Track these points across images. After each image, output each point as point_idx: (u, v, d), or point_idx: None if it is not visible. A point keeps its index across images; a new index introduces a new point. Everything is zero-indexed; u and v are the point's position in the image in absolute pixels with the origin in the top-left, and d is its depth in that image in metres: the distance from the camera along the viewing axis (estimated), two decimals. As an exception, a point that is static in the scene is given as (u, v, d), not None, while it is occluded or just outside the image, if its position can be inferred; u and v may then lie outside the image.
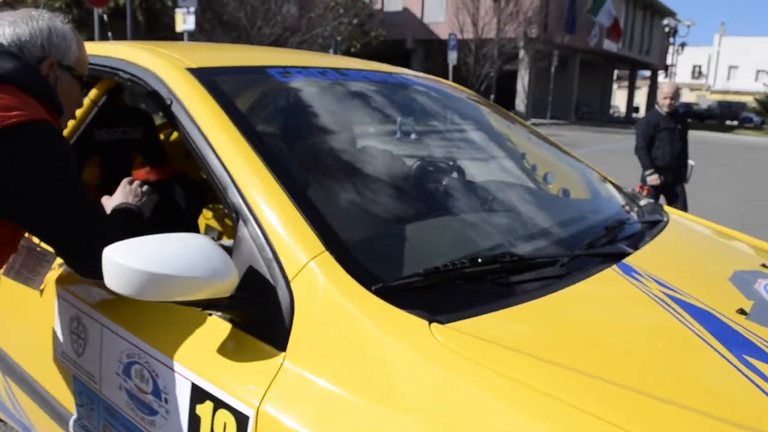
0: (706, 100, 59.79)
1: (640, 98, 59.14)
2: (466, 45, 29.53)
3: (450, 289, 1.36)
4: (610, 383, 1.12)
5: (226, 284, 1.25)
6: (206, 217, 3.47)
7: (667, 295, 1.49)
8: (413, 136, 2.25)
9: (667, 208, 2.56)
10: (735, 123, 42.90)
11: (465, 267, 1.38)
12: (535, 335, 1.26)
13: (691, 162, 6.30)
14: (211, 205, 3.33)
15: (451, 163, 2.28)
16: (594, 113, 43.02)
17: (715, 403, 1.14)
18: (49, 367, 1.78)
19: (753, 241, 2.43)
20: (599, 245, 1.77)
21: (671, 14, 47.71)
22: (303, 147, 1.78)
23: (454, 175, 2.24)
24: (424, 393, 1.09)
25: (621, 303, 1.47)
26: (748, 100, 45.65)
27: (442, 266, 1.36)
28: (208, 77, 1.74)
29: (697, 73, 71.34)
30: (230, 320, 1.35)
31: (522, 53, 31.81)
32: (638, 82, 53.85)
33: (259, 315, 1.31)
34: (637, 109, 54.97)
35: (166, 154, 2.83)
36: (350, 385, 1.15)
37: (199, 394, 1.31)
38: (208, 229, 3.55)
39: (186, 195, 2.74)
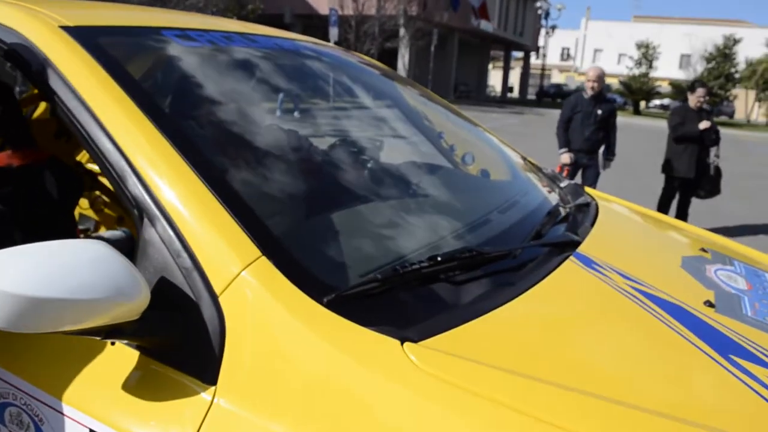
0: (575, 81, 63.12)
1: (514, 78, 61.46)
2: (347, 21, 29.19)
3: (410, 294, 1.14)
4: (609, 401, 0.95)
5: (134, 305, 0.96)
6: (81, 207, 3.04)
7: (635, 288, 1.36)
8: (329, 111, 2.00)
9: (587, 189, 2.49)
10: (600, 103, 45.43)
11: (423, 267, 1.17)
12: (517, 348, 1.07)
13: (600, 151, 6.42)
14: (86, 192, 2.92)
15: (378, 143, 2.06)
16: (472, 92, 44.17)
17: (718, 412, 1.02)
18: None
19: (676, 222, 2.40)
20: (547, 233, 1.63)
21: (542, -3, 49.78)
22: (219, 126, 1.48)
23: (382, 158, 2.02)
24: (406, 429, 0.88)
25: (594, 301, 1.32)
26: (613, 82, 48.72)
27: (400, 267, 1.14)
28: (90, 38, 1.40)
29: (565, 55, 75.08)
30: (138, 347, 1.06)
31: (402, 31, 31.91)
32: (512, 63, 55.85)
33: (178, 340, 1.03)
34: (511, 89, 57.11)
35: (31, 135, 2.40)
36: (308, 426, 0.91)
37: (100, 445, 1.02)
38: (83, 220, 3.12)
39: (58, 182, 2.34)
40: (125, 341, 1.05)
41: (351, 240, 1.32)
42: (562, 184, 2.39)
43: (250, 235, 1.06)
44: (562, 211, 1.89)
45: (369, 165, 1.85)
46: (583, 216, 1.92)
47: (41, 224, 2.23)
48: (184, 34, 1.63)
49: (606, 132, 6.37)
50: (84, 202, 3.01)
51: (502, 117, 26.15)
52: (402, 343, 0.96)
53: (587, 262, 1.45)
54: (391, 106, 2.43)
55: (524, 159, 2.55)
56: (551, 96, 51.77)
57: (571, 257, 1.46)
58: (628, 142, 17.19)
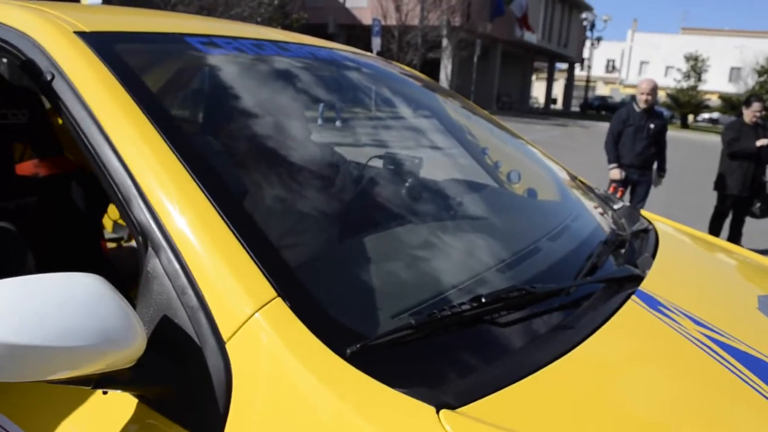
0: (620, 93, 62.03)
1: (558, 90, 60.67)
2: (390, 31, 29.17)
3: (448, 343, 0.99)
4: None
5: (128, 352, 0.83)
6: (111, 217, 2.97)
7: (709, 337, 1.18)
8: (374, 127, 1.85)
9: (643, 212, 2.30)
10: (646, 116, 44.55)
11: (465, 310, 1.01)
12: (577, 417, 0.90)
13: (655, 167, 6.15)
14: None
15: (417, 160, 1.90)
16: (514, 103, 43.70)
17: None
18: None
19: (744, 252, 2.19)
20: (603, 265, 1.46)
21: (589, 8, 48.96)
22: (240, 144, 1.35)
23: (421, 175, 1.85)
24: None
25: (664, 354, 1.14)
26: (660, 94, 47.65)
27: (437, 311, 0.98)
28: (105, 44, 1.29)
29: (611, 67, 73.87)
30: (137, 395, 0.93)
31: (445, 42, 31.77)
32: (556, 75, 55.13)
33: (179, 391, 0.89)
34: (555, 101, 56.33)
35: (59, 144, 2.32)
36: None
37: None
38: (117, 228, 3.05)
39: (85, 193, 2.26)
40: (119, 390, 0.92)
41: (380, 276, 1.17)
42: (616, 206, 2.21)
43: (265, 271, 0.92)
44: (619, 239, 1.71)
45: (404, 187, 1.68)
46: (642, 244, 1.74)
47: (66, 235, 2.15)
48: (209, 41, 1.51)
49: (658, 147, 6.09)
50: (116, 212, 2.94)
51: (546, 129, 25.76)
52: (438, 411, 0.80)
53: (652, 302, 1.27)
54: (429, 117, 2.28)
55: (574, 178, 2.37)
56: (595, 108, 50.92)
57: (634, 296, 1.28)
58: (676, 157, 16.68)
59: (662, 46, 65.99)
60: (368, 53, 2.30)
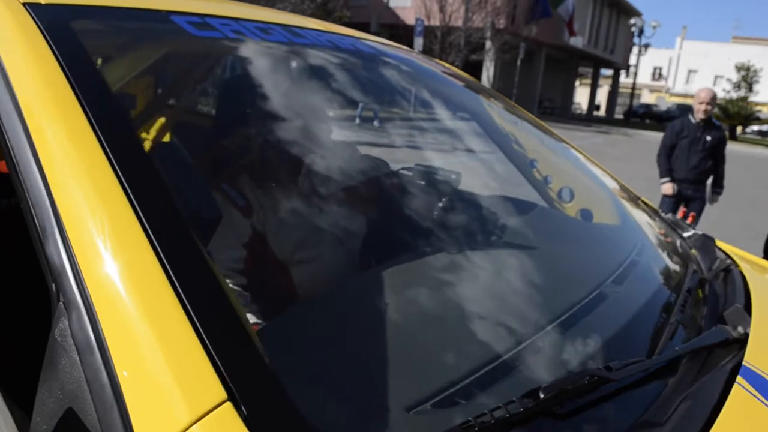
0: (666, 102, 60.42)
1: (602, 96, 59.41)
2: (432, 32, 28.83)
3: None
4: None
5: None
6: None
7: None
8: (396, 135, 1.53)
9: (719, 243, 1.93)
10: (693, 127, 43.39)
11: (515, 414, 0.69)
12: None
13: (709, 182, 5.70)
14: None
15: (453, 176, 1.57)
16: (556, 109, 42.85)
17: None
18: None
19: None
20: (689, 324, 1.13)
21: (637, 14, 47.70)
22: (213, 168, 1.04)
23: (454, 199, 1.49)
24: None
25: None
26: (708, 104, 46.28)
27: (474, 419, 0.66)
28: (60, 20, 1.01)
29: (657, 75, 72.00)
30: None
31: (488, 44, 31.26)
32: (600, 81, 53.95)
33: None
34: (598, 107, 55.17)
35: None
36: None
37: None
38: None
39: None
40: None
41: (385, 359, 0.84)
42: (686, 235, 1.85)
43: (215, 358, 0.61)
44: (699, 282, 1.37)
45: (425, 224, 1.32)
46: (727, 290, 1.39)
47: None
48: (202, 21, 1.22)
49: (714, 161, 5.64)
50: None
51: (588, 136, 25.07)
52: None
53: (762, 386, 0.93)
54: (466, 119, 1.94)
55: (636, 198, 2.02)
56: (640, 116, 49.76)
57: (739, 377, 0.94)
58: (726, 170, 15.98)
59: (711, 55, 64.17)
60: (398, 44, 1.99)
